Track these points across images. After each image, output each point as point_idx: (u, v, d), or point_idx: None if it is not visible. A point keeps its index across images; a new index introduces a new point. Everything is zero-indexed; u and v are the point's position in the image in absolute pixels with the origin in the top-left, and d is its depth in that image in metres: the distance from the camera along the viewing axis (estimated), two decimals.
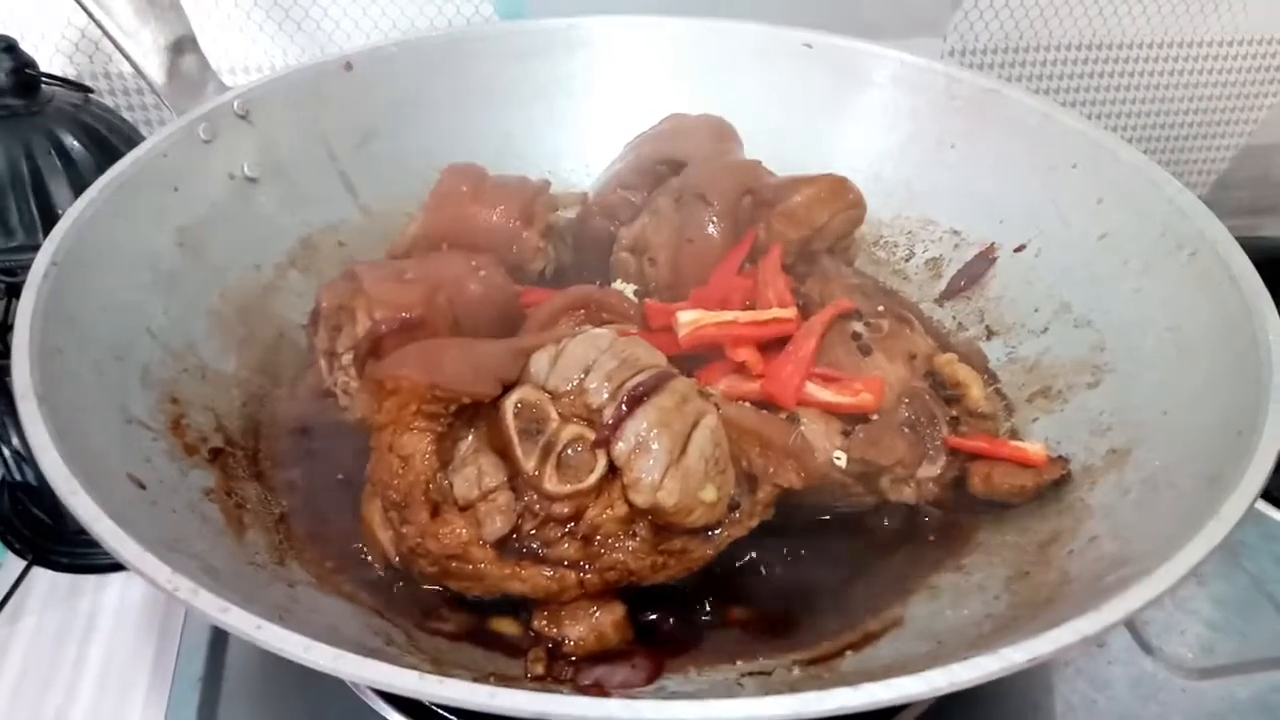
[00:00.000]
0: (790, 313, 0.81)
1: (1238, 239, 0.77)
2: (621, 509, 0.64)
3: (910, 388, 0.80)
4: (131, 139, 0.91)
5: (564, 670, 0.65)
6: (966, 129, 1.01)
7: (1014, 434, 0.84)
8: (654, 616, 0.69)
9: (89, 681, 0.81)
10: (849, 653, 0.67)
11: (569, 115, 1.12)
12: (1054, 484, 0.76)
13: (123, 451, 0.66)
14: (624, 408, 0.64)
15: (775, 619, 0.70)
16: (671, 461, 0.63)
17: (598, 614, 0.66)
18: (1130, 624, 0.84)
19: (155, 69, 0.89)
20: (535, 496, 0.64)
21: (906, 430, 0.77)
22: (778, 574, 0.73)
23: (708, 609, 0.70)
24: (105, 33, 0.87)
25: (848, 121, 1.07)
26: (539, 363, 0.68)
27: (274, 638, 0.48)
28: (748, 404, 0.75)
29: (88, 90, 0.93)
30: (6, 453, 0.91)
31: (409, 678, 0.47)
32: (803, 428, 0.73)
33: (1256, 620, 0.85)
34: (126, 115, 1.02)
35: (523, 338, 0.74)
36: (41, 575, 0.89)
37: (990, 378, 0.90)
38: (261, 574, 0.66)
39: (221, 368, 0.83)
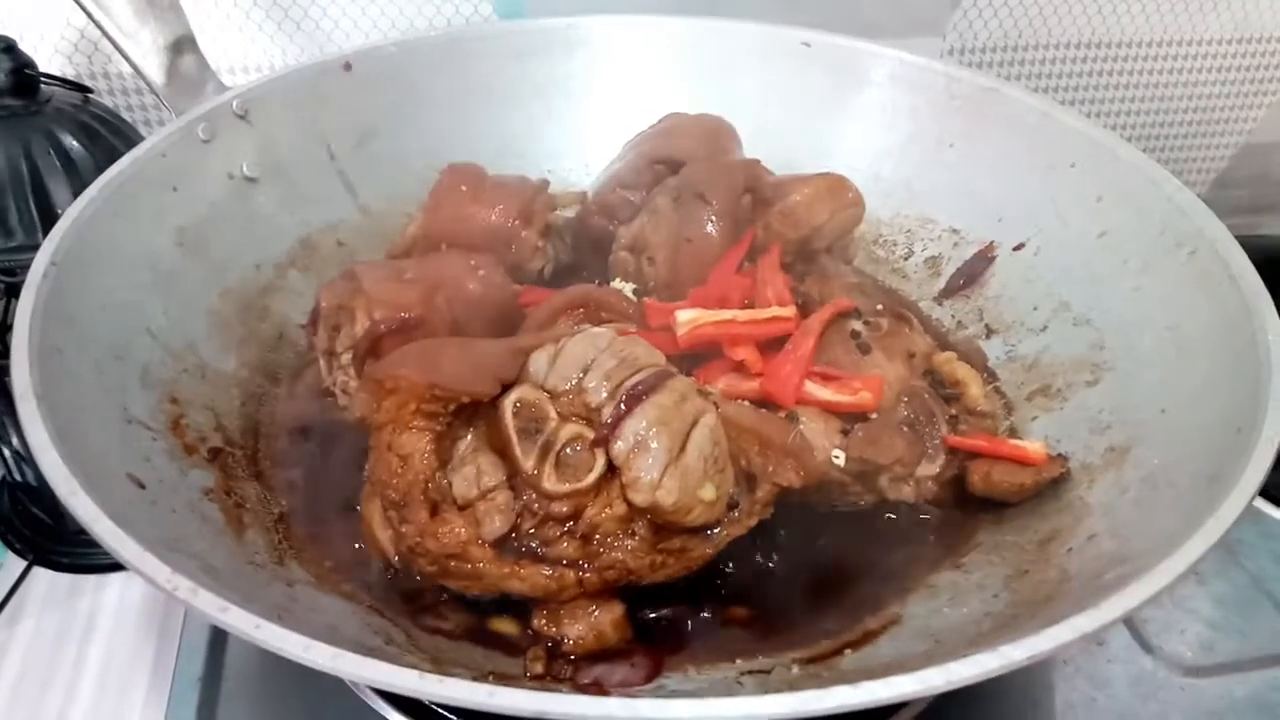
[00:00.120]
0: (789, 311, 0.81)
1: (1237, 237, 0.77)
2: (620, 508, 0.64)
3: (909, 386, 0.80)
4: (131, 139, 0.91)
5: (563, 669, 0.65)
6: (965, 128, 1.01)
7: (1013, 432, 0.84)
8: (653, 615, 0.69)
9: (89, 681, 0.81)
10: (848, 651, 0.67)
11: (568, 115, 1.12)
12: (1053, 482, 0.76)
13: (122, 451, 0.66)
14: (623, 407, 0.64)
15: (774, 617, 0.70)
16: (670, 460, 0.63)
17: (597, 613, 0.66)
18: (1129, 622, 0.84)
19: (154, 69, 0.89)
20: (534, 495, 0.64)
21: (905, 429, 0.77)
22: (777, 573, 0.73)
23: (707, 608, 0.70)
24: (104, 33, 0.87)
25: (847, 120, 1.07)
26: (538, 362, 0.68)
27: (273, 637, 0.48)
28: (747, 403, 0.75)
29: (87, 90, 0.93)
30: (6, 453, 0.91)
31: (408, 677, 0.47)
32: (802, 426, 0.74)
33: (1255, 618, 0.85)
34: (126, 115, 1.02)
35: (521, 337, 0.74)
36: (41, 575, 0.89)
37: (989, 376, 0.90)
38: (261, 573, 0.66)
39: (221, 367, 0.83)
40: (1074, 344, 0.86)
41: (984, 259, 0.98)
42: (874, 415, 0.77)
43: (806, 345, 0.78)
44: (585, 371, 0.66)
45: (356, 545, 0.72)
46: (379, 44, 1.05)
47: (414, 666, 0.48)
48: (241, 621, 0.49)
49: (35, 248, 0.71)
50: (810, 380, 0.77)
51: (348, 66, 1.00)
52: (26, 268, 0.69)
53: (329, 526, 0.74)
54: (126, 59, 0.89)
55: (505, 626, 0.68)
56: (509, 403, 0.66)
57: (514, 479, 0.65)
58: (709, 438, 0.65)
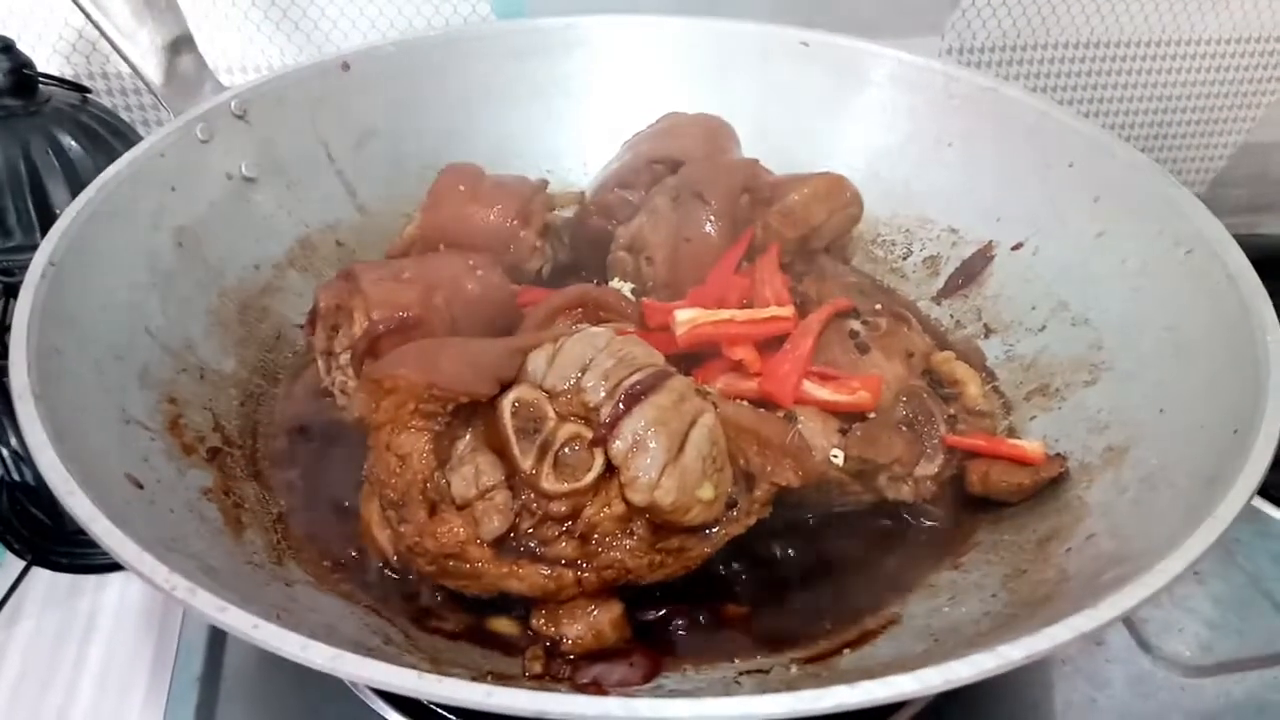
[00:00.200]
0: (788, 311, 0.81)
1: (1235, 237, 0.77)
2: (619, 507, 0.64)
3: (908, 386, 0.80)
4: (129, 139, 0.90)
5: (562, 669, 0.65)
6: (964, 127, 1.01)
7: (1011, 432, 0.84)
8: (651, 615, 0.70)
9: (88, 681, 0.81)
10: (847, 651, 0.67)
11: (566, 114, 1.12)
12: (1051, 482, 0.76)
13: (121, 451, 0.66)
14: (621, 406, 0.64)
15: (773, 617, 0.70)
16: (669, 460, 0.63)
17: (595, 612, 0.66)
18: (1128, 622, 0.84)
19: (153, 69, 0.89)
20: (533, 495, 0.64)
21: (904, 428, 0.77)
22: (775, 572, 0.73)
23: (705, 607, 0.70)
24: (102, 33, 0.87)
25: (845, 120, 1.08)
26: (536, 362, 0.68)
27: (271, 637, 0.48)
28: (745, 402, 0.75)
29: (85, 90, 0.93)
30: (5, 453, 0.91)
31: (407, 676, 0.47)
32: (800, 426, 0.74)
33: (1254, 618, 0.85)
34: (124, 115, 1.02)
35: (520, 337, 0.74)
36: (40, 575, 0.89)
37: (988, 376, 0.90)
38: (259, 573, 0.66)
39: (220, 367, 0.83)
40: (1072, 344, 0.86)
41: (982, 258, 0.98)
42: (872, 415, 0.77)
43: (805, 345, 0.78)
44: (583, 371, 0.66)
45: (355, 545, 0.72)
46: (377, 44, 1.05)
47: (413, 666, 0.48)
48: (240, 621, 0.49)
49: (34, 248, 0.71)
50: (809, 380, 0.77)
51: (346, 66, 1.00)
52: (25, 268, 0.69)
53: (327, 526, 0.74)
54: (124, 59, 0.89)
55: (504, 626, 0.68)
56: (507, 402, 0.66)
57: (512, 479, 0.65)
58: (707, 437, 0.65)
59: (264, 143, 0.94)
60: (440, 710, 0.69)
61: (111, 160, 0.80)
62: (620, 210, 0.98)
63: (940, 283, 1.01)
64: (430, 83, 1.06)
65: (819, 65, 1.08)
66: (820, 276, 0.89)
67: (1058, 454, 0.78)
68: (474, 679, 0.48)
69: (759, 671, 0.66)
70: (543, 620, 0.66)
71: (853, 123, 1.07)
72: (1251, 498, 0.57)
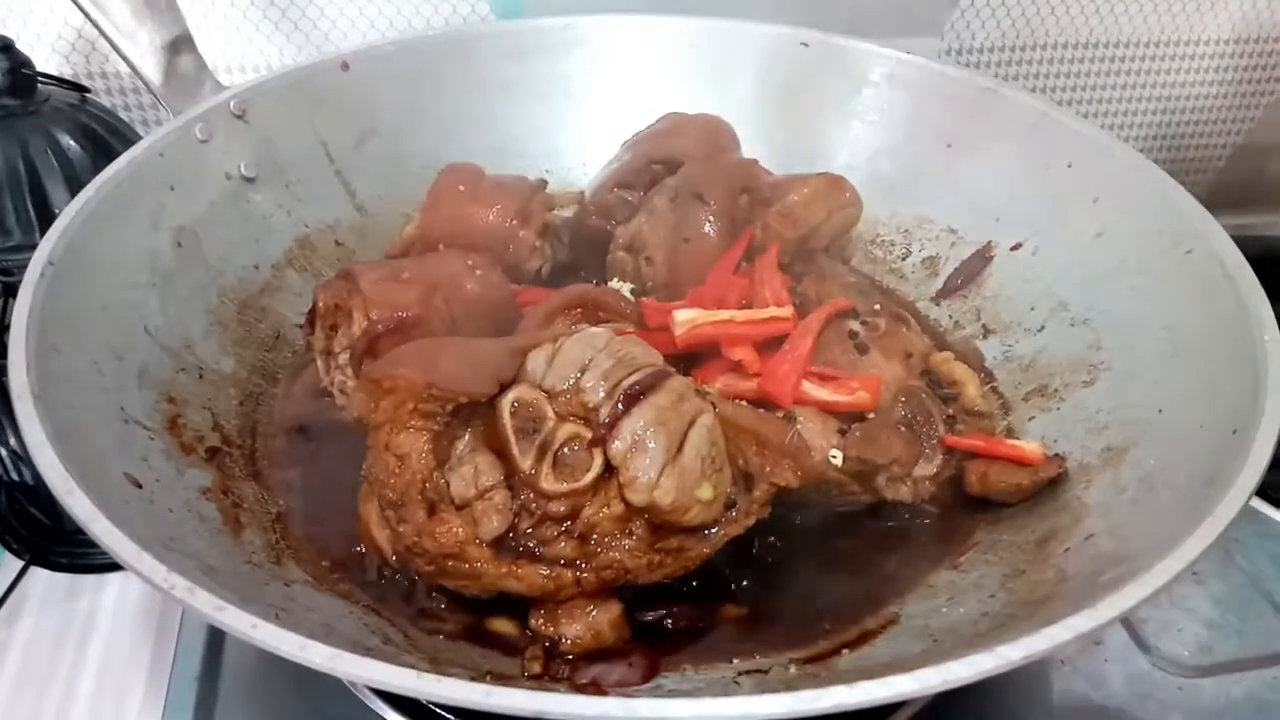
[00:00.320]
0: (787, 311, 0.81)
1: (1234, 237, 0.77)
2: (618, 507, 0.64)
3: (907, 386, 0.80)
4: (128, 139, 0.90)
5: (561, 669, 0.65)
6: (963, 128, 1.01)
7: (1010, 432, 0.84)
8: (650, 615, 0.69)
9: (87, 681, 0.81)
10: (845, 651, 0.67)
11: (566, 114, 1.12)
12: (1050, 482, 0.76)
13: (120, 451, 0.66)
14: (620, 406, 0.64)
15: (771, 617, 0.70)
16: (668, 460, 0.63)
17: (594, 612, 0.66)
18: (1127, 622, 0.84)
19: (152, 69, 0.89)
20: (532, 495, 0.64)
21: (903, 429, 0.77)
22: (774, 573, 0.73)
23: (704, 607, 0.70)
24: (101, 33, 0.87)
25: (845, 120, 1.07)
26: (536, 362, 0.68)
27: (270, 636, 0.48)
28: (744, 403, 0.75)
29: (84, 90, 0.93)
30: (4, 452, 0.91)
31: (406, 676, 0.47)
32: (799, 426, 0.74)
33: (1253, 618, 0.85)
34: (123, 115, 1.02)
35: (519, 337, 0.74)
36: (39, 575, 0.89)
37: (987, 376, 0.90)
38: (258, 573, 0.66)
39: (219, 367, 0.83)
40: (1071, 344, 0.86)
41: (981, 259, 0.98)
42: (871, 415, 0.77)
43: (804, 345, 0.78)
44: (583, 371, 0.66)
45: (354, 545, 0.72)
46: (377, 43, 1.05)
47: (411, 666, 0.48)
48: (238, 621, 0.49)
49: (32, 247, 0.71)
50: (808, 380, 0.77)
51: (345, 66, 1.00)
52: (24, 268, 0.69)
53: (326, 526, 0.74)
54: (124, 59, 0.89)
55: (503, 626, 0.68)
56: (507, 402, 0.66)
57: (512, 479, 0.65)
58: (706, 437, 0.65)
59: (263, 142, 0.94)
60: (439, 710, 0.69)
61: (110, 160, 0.80)
62: (619, 210, 0.98)
63: (939, 283, 1.01)
64: (430, 82, 1.06)
65: (819, 65, 1.08)
66: (819, 277, 0.89)
67: (1056, 454, 0.78)
68: (473, 679, 0.48)
69: (758, 672, 0.66)
70: (542, 620, 0.66)
71: (852, 123, 1.07)
72: (1250, 498, 0.57)
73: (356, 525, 0.71)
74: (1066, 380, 0.84)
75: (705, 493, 0.64)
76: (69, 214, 0.74)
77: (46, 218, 0.83)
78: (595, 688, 0.64)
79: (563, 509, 0.64)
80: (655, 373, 0.66)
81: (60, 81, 0.92)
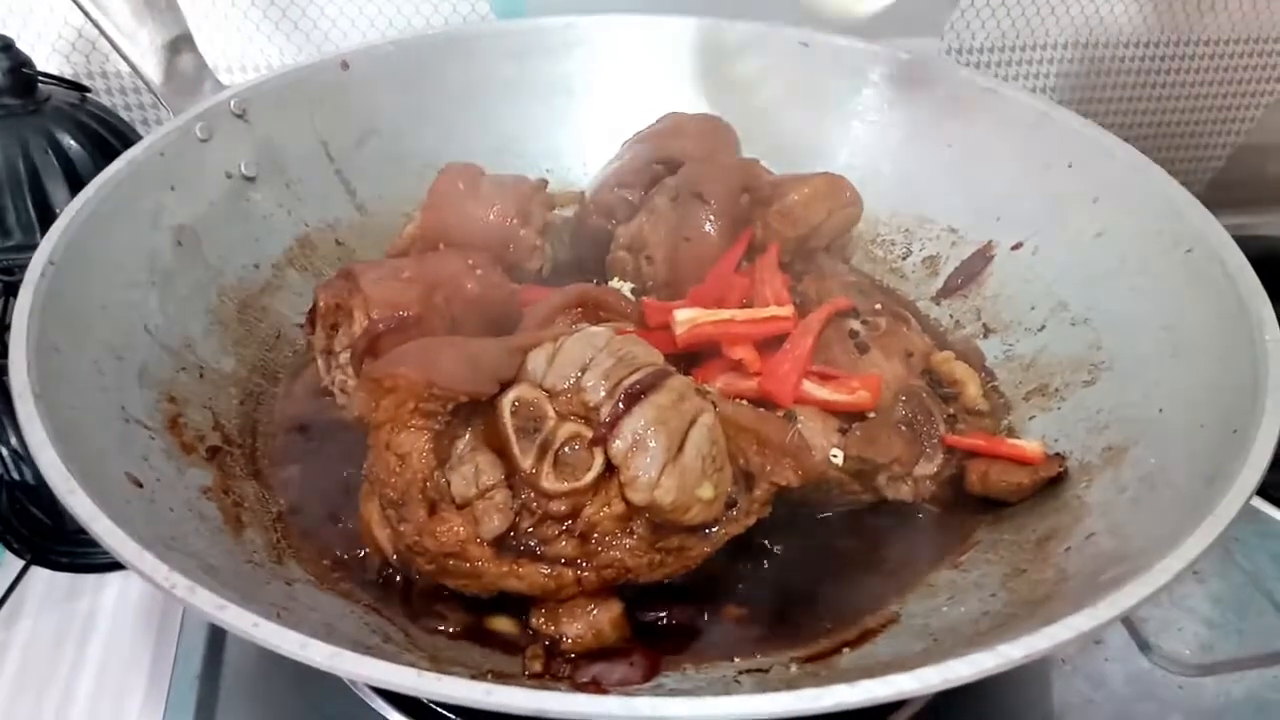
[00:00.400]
0: (787, 311, 0.81)
1: (1234, 237, 0.77)
2: (619, 507, 0.64)
3: (907, 385, 0.80)
4: (129, 138, 0.90)
5: (561, 667, 0.65)
6: (963, 127, 1.01)
7: (1011, 432, 0.84)
8: (651, 614, 0.69)
9: (87, 680, 0.81)
10: (846, 650, 0.67)
11: (566, 114, 1.12)
12: (1051, 481, 0.76)
13: (120, 450, 0.66)
14: (621, 406, 0.64)
15: (772, 616, 0.70)
16: (669, 459, 0.63)
17: (595, 611, 0.66)
18: (1127, 621, 0.84)
19: (152, 68, 0.89)
20: (533, 494, 0.64)
21: (903, 428, 0.77)
22: (775, 571, 0.73)
23: (705, 606, 0.70)
24: (102, 32, 0.87)
25: (845, 120, 1.07)
26: (536, 361, 0.68)
27: (271, 635, 0.48)
28: (745, 402, 0.75)
29: (85, 89, 0.93)
30: (5, 452, 0.91)
31: (407, 675, 0.47)
32: (800, 425, 0.74)
33: (1253, 617, 0.85)
34: (124, 114, 1.02)
35: (520, 336, 0.74)
36: (40, 574, 0.89)
37: (987, 375, 0.90)
38: (259, 572, 0.66)
39: (219, 366, 0.83)
40: (1071, 343, 0.86)
41: (982, 258, 0.98)
42: (872, 414, 0.77)
43: (804, 344, 0.78)
44: (583, 370, 0.66)
45: (355, 544, 0.72)
46: (377, 43, 1.05)
47: (412, 665, 0.48)
48: (239, 620, 0.49)
49: (33, 247, 0.71)
50: (808, 379, 0.77)
51: (345, 65, 1.00)
52: (24, 267, 0.69)
53: (327, 525, 0.74)
54: (124, 58, 0.89)
55: (504, 625, 0.68)
56: (507, 401, 0.66)
57: (512, 478, 0.65)
58: (707, 437, 0.65)
59: (263, 142, 0.94)
60: (440, 709, 0.69)
61: (111, 159, 0.80)
62: (620, 210, 0.98)
63: (940, 282, 1.01)
64: (430, 82, 1.06)
65: (819, 65, 1.08)
66: (820, 276, 0.89)
67: (1057, 453, 0.78)
68: (473, 677, 0.48)
69: (758, 670, 0.66)
70: (542, 619, 0.66)
71: (852, 123, 1.08)
72: (1251, 497, 0.57)
73: (357, 524, 0.71)
74: (1067, 379, 0.84)
75: (706, 492, 0.64)
76: (69, 213, 0.74)
77: (47, 217, 0.83)
78: (596, 686, 0.64)
79: (563, 508, 0.64)
80: (656, 372, 0.66)
81: (61, 81, 0.92)
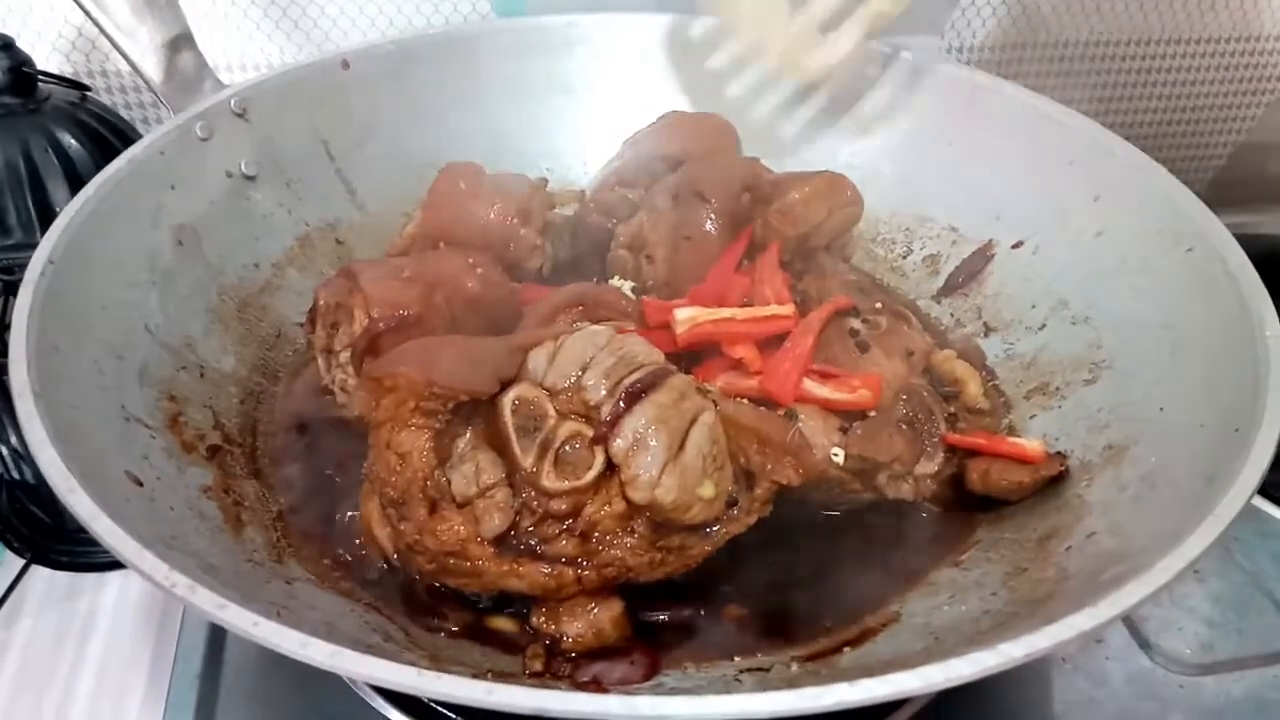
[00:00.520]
0: (788, 309, 0.81)
1: (1235, 236, 0.77)
2: (619, 505, 0.64)
3: (908, 384, 0.80)
4: (129, 137, 0.90)
5: (562, 666, 0.65)
6: (964, 126, 1.01)
7: (1012, 430, 0.84)
8: (652, 613, 0.69)
9: (87, 680, 0.81)
10: (847, 649, 0.67)
11: (566, 113, 1.12)
12: (1052, 480, 0.76)
13: (121, 449, 0.66)
14: (622, 404, 0.64)
15: (773, 615, 0.70)
16: (669, 458, 0.63)
17: (596, 610, 0.66)
18: (1128, 620, 0.84)
19: (152, 67, 0.89)
20: (533, 493, 0.64)
21: (904, 427, 0.77)
22: (775, 570, 0.73)
23: (705, 605, 0.70)
24: (102, 31, 0.87)
25: (845, 119, 1.07)
26: (537, 360, 0.68)
27: (271, 634, 0.48)
28: (745, 401, 0.75)
29: (85, 88, 0.93)
30: (5, 451, 0.91)
31: (407, 673, 0.47)
32: (800, 424, 0.73)
33: (1254, 616, 0.85)
34: (124, 113, 1.02)
35: (520, 335, 0.74)
36: (40, 574, 0.89)
37: (988, 374, 0.90)
38: (259, 571, 0.66)
39: (219, 365, 0.83)
40: (1072, 342, 0.86)
41: (982, 257, 0.98)
42: (873, 413, 0.77)
43: (805, 343, 0.78)
44: (584, 369, 0.66)
45: (355, 543, 0.72)
46: (377, 42, 1.05)
47: (412, 664, 0.48)
48: (239, 619, 0.49)
49: (33, 246, 0.71)
50: (809, 378, 0.77)
51: (346, 65, 1.00)
52: (24, 266, 0.69)
53: (327, 524, 0.74)
54: (124, 57, 0.88)
55: (504, 624, 0.68)
56: (508, 400, 0.66)
57: (513, 477, 0.65)
58: (708, 435, 0.65)
59: (264, 141, 0.94)
60: (440, 708, 0.69)
61: (111, 158, 0.80)
62: (620, 208, 0.98)
63: (940, 281, 1.01)
64: (430, 81, 1.06)
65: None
66: (820, 275, 0.89)
67: (1058, 452, 0.78)
68: (474, 676, 0.48)
69: (759, 669, 0.66)
70: (543, 618, 0.66)
71: (852, 121, 1.07)
72: (1252, 496, 0.57)
73: (358, 523, 0.71)
74: (1068, 378, 0.84)
75: (707, 491, 0.64)
76: (69, 212, 0.74)
77: (47, 216, 0.83)
78: (596, 685, 0.64)
79: (564, 507, 0.64)
80: (656, 371, 0.66)
81: (61, 80, 0.92)
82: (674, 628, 0.69)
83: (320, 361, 0.83)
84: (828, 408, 0.76)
